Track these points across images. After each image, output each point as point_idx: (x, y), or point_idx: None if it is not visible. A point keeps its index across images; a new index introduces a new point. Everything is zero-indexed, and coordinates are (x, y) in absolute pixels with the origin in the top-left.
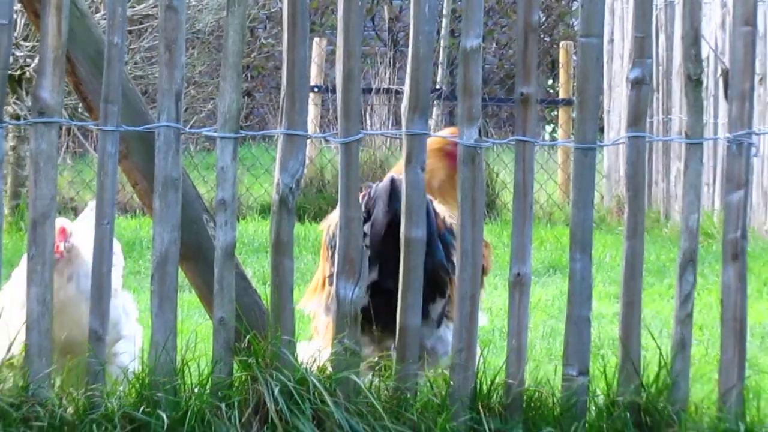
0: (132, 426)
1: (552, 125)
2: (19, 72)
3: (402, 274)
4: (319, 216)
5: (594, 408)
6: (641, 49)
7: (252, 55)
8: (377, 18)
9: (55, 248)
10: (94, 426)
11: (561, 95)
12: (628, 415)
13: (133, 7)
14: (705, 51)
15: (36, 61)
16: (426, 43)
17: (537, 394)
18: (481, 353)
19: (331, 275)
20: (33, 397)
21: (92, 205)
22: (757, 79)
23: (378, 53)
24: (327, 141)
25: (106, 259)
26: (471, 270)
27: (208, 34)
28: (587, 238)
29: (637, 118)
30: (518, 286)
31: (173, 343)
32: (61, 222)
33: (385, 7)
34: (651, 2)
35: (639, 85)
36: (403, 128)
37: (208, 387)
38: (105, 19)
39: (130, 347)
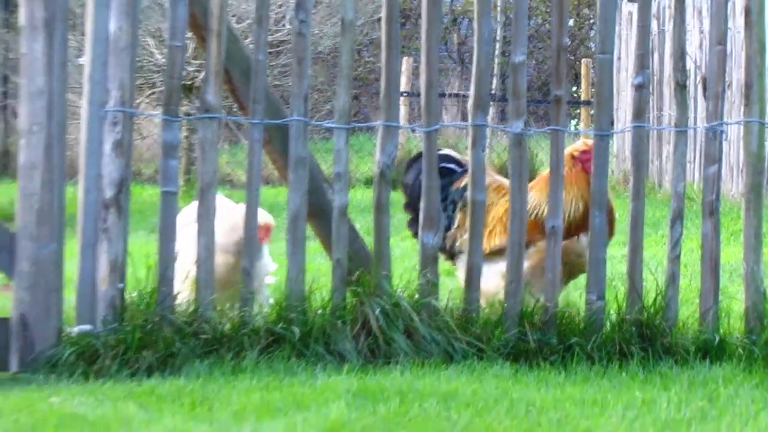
0: (272, 338)
1: (575, 120)
2: (190, 82)
3: (469, 226)
4: None
5: (608, 324)
6: (642, 63)
7: (358, 69)
8: (449, 42)
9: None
10: (245, 338)
11: (582, 98)
12: (634, 329)
13: (272, 34)
14: (688, 64)
15: (202, 74)
16: (485, 59)
17: (566, 313)
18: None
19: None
20: (201, 316)
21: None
22: (726, 84)
23: (449, 68)
24: (413, 131)
25: (253, 217)
26: (518, 223)
27: (327, 54)
28: (603, 200)
29: (639, 113)
30: (553, 235)
31: (302, 277)
32: (265, 218)
33: (455, 35)
34: (649, 29)
35: (640, 89)
36: (470, 121)
37: (328, 309)
38: (252, 43)
39: (267, 284)
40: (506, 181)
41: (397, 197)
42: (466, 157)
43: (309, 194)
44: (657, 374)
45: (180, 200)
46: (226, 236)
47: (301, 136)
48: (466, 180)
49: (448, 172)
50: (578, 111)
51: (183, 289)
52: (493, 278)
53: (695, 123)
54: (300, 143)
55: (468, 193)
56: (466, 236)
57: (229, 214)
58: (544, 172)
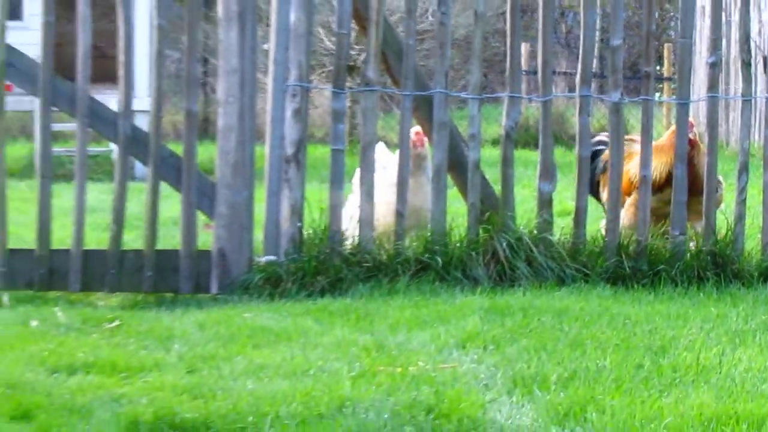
0: (420, 266)
1: (659, 93)
2: (352, 63)
3: (576, 176)
4: (527, 145)
5: (688, 254)
6: (715, 45)
7: (486, 52)
8: (558, 31)
9: (415, 142)
10: (398, 266)
11: (665, 75)
12: (709, 258)
13: (418, 24)
14: (751, 47)
15: (363, 55)
16: (590, 42)
17: (655, 245)
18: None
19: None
20: (363, 249)
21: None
22: None
23: (558, 52)
24: (530, 101)
25: (405, 165)
26: (616, 174)
27: (461, 40)
28: (684, 155)
29: (712, 85)
30: (644, 183)
31: (444, 218)
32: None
33: (563, 25)
34: (720, 19)
35: (714, 66)
36: (577, 92)
37: (464, 243)
38: (403, 31)
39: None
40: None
41: (518, 154)
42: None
43: (449, 151)
44: (728, 294)
45: (346, 157)
46: (387, 181)
47: (443, 104)
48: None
49: (600, 151)
50: (661, 86)
51: (350, 227)
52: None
53: (755, 93)
54: (442, 110)
55: (575, 150)
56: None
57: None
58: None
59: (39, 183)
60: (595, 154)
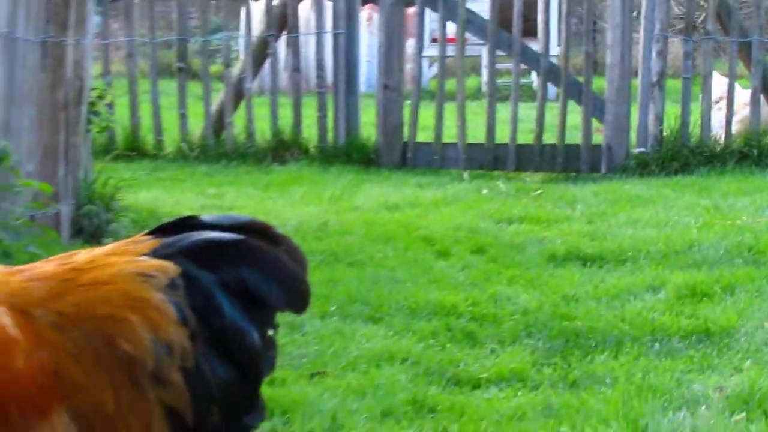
0: (741, 156)
1: None
2: (693, 22)
3: None
4: None
5: None
6: None
7: None
8: None
9: None
10: (727, 155)
11: None
12: None
13: None
14: None
15: (702, 16)
16: None
17: None
18: None
19: None
20: (703, 143)
21: None
22: None
23: None
24: None
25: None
26: None
27: None
28: None
29: None
30: None
31: (759, 121)
32: None
33: None
34: None
35: None
36: None
37: None
38: None
39: None
40: None
41: None
42: None
43: (762, 79)
44: None
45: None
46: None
47: (759, 48)
48: None
49: None
50: None
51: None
52: None
53: None
54: (758, 52)
55: None
56: None
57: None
58: None
59: (487, 101)
60: None
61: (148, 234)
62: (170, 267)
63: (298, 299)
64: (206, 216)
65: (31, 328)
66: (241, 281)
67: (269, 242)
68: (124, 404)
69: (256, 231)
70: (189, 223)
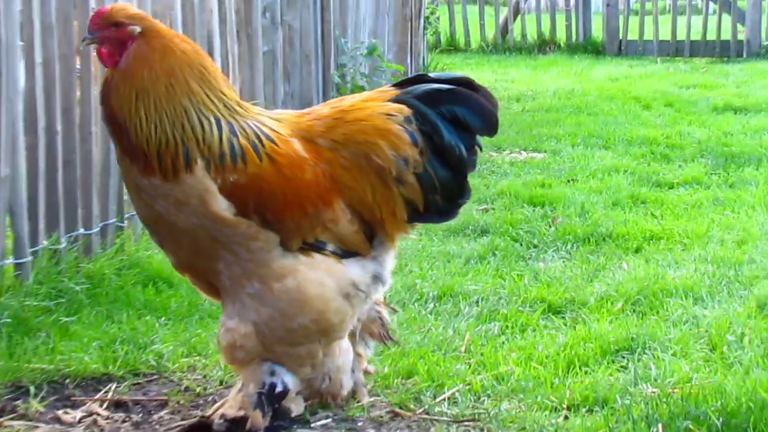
0: None
1: None
2: None
3: None
4: None
5: None
6: None
7: None
8: None
9: None
10: None
11: None
12: None
13: None
14: None
15: None
16: None
17: None
18: None
19: None
20: None
21: None
22: None
23: None
24: None
25: None
26: None
27: None
28: None
29: None
30: None
31: None
32: None
33: None
34: None
35: None
36: None
37: None
38: None
39: None
40: None
41: None
42: None
43: None
44: None
45: None
46: None
47: None
48: None
49: None
50: None
51: None
52: None
53: None
54: None
55: None
56: None
57: None
58: None
59: (671, 15)
60: None
61: (393, 86)
62: (405, 108)
63: (490, 127)
64: (432, 73)
65: (316, 150)
66: (454, 114)
67: (473, 90)
68: (378, 197)
69: (464, 83)
70: (421, 79)
